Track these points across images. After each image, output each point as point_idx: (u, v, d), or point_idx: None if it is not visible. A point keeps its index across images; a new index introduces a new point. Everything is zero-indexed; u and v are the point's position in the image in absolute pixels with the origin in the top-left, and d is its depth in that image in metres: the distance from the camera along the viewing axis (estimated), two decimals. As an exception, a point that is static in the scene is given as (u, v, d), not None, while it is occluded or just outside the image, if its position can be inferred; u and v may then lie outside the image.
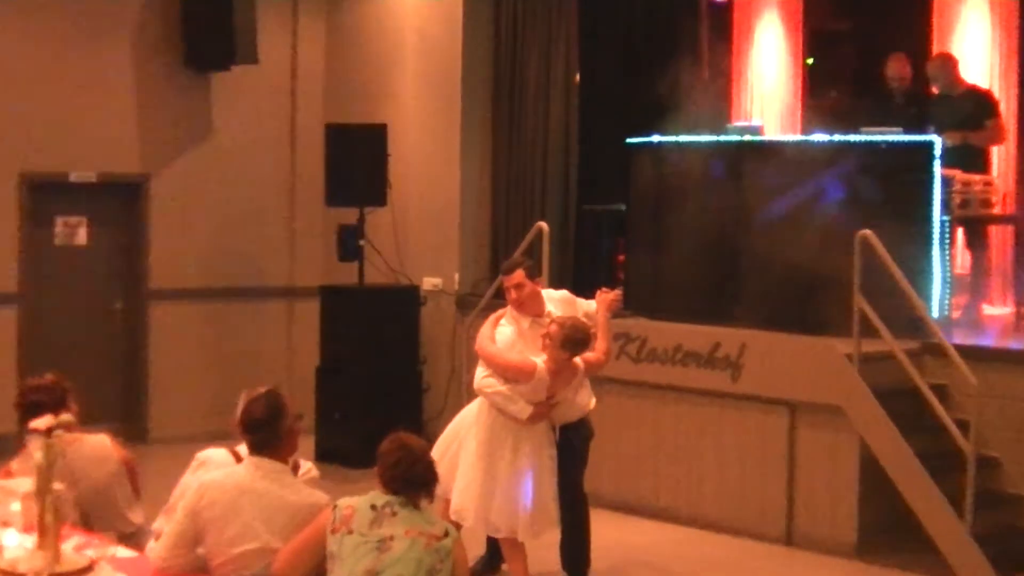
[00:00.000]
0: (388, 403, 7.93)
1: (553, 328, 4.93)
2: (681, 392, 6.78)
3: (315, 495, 3.68)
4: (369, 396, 7.98)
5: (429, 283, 8.40)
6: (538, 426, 5.08)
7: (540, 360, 4.98)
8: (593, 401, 5.30)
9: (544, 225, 7.07)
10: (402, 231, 8.53)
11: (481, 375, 5.06)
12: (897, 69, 7.32)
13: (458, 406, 6.24)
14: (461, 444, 5.18)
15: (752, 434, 6.54)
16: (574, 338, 4.90)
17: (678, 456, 6.83)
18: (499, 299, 6.39)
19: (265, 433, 3.63)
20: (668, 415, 6.88)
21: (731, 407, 6.60)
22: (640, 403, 6.97)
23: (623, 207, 7.75)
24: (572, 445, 5.18)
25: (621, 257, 7.76)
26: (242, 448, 3.88)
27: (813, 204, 6.56)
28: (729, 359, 6.56)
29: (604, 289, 5.27)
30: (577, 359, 5.04)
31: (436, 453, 5.11)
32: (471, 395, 5.51)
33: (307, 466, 3.89)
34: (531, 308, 5.16)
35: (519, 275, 5.14)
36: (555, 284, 6.30)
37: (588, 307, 5.32)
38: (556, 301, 5.25)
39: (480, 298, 7.66)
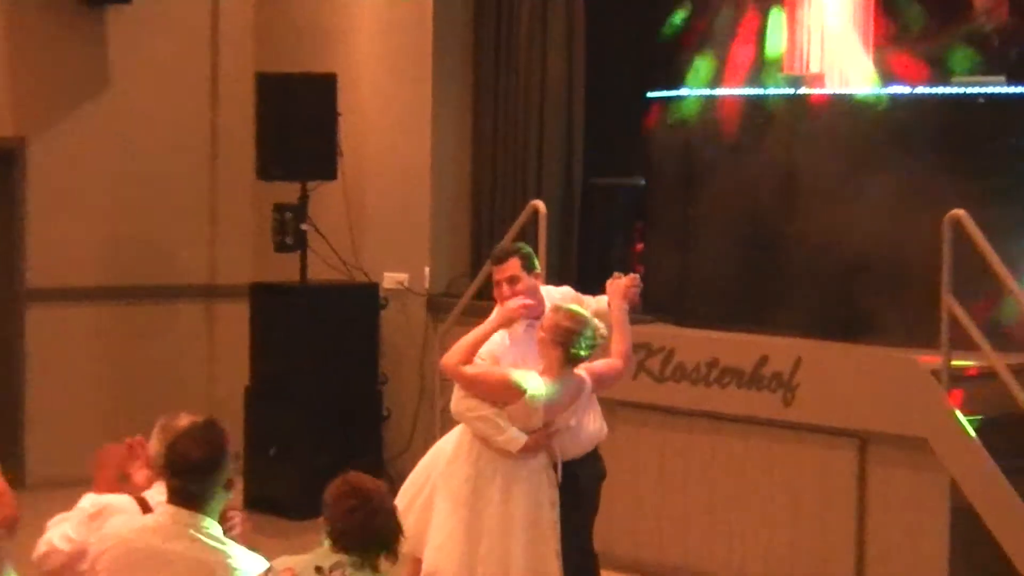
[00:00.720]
0: (338, 435, 7.94)
1: (547, 320, 4.93)
2: (717, 420, 6.79)
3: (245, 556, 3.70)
4: (313, 426, 7.99)
5: (392, 280, 8.42)
6: (534, 463, 5.08)
7: (535, 373, 5.01)
8: (605, 430, 5.32)
9: (540, 205, 7.08)
10: (357, 213, 8.53)
11: (460, 395, 5.07)
12: (984, 2, 7.26)
13: (430, 438, 6.29)
14: (435, 487, 5.19)
15: (811, 474, 6.55)
16: (580, 328, 4.91)
17: (714, 502, 6.84)
18: (483, 300, 6.35)
19: (200, 482, 3.66)
20: (701, 449, 6.88)
21: (783, 439, 6.62)
22: (665, 434, 6.99)
23: (641, 181, 7.78)
24: (578, 487, 5.20)
25: (639, 245, 7.80)
26: (152, 494, 3.89)
27: (888, 177, 6.59)
28: (780, 377, 6.56)
29: (617, 275, 5.28)
30: (581, 371, 5.02)
31: (402, 500, 5.14)
32: (447, 423, 5.50)
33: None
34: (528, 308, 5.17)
35: (514, 265, 5.16)
36: (554, 280, 6.31)
37: (599, 304, 5.34)
38: (557, 301, 5.27)
39: (457, 299, 7.65)
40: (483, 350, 5.08)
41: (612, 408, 6.35)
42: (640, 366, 6.90)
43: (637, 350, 6.69)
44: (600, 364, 5.15)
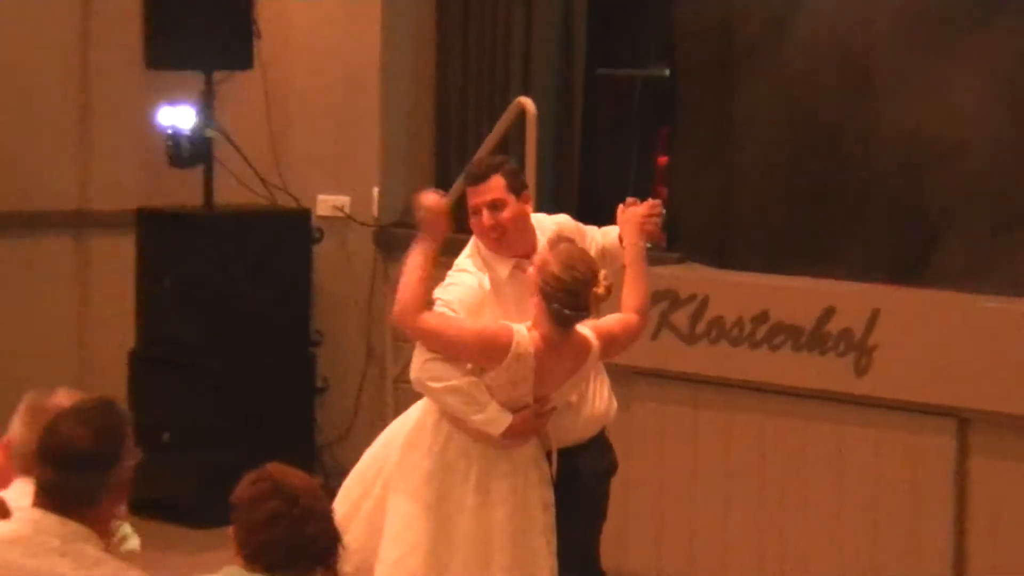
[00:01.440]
0: (255, 414, 7.98)
1: (538, 257, 4.93)
2: (767, 394, 6.79)
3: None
4: (221, 402, 8.01)
5: (329, 205, 8.43)
6: (521, 452, 5.08)
7: (523, 327, 4.97)
8: (615, 408, 5.33)
9: (529, 103, 7.05)
10: (281, 114, 8.54)
11: (424, 358, 5.04)
12: None
13: (380, 418, 6.34)
14: (389, 486, 5.18)
15: (894, 465, 6.56)
16: (571, 284, 4.86)
17: (764, 503, 6.86)
18: (453, 232, 6.37)
19: (86, 478, 3.70)
20: (745, 433, 6.89)
21: (855, 419, 6.62)
22: (696, 413, 7.00)
23: (666, 72, 7.79)
24: (580, 485, 5.23)
25: (663, 159, 7.77)
26: (14, 495, 3.93)
27: (998, 61, 6.58)
28: (851, 337, 6.56)
29: (632, 200, 5.28)
30: (586, 329, 5.01)
31: (344, 502, 5.15)
32: (404, 398, 5.55)
33: (123, 531, 4.10)
34: (515, 243, 5.16)
35: (496, 185, 5.13)
36: (548, 206, 6.29)
37: (607, 240, 5.34)
38: (551, 232, 5.30)
39: (417, 231, 7.60)
40: (451, 296, 5.06)
41: (626, 378, 6.46)
42: (662, 321, 6.87)
43: (658, 300, 6.77)
44: (610, 321, 5.13)
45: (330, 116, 8.46)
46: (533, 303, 4.94)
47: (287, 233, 8.30)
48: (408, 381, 5.15)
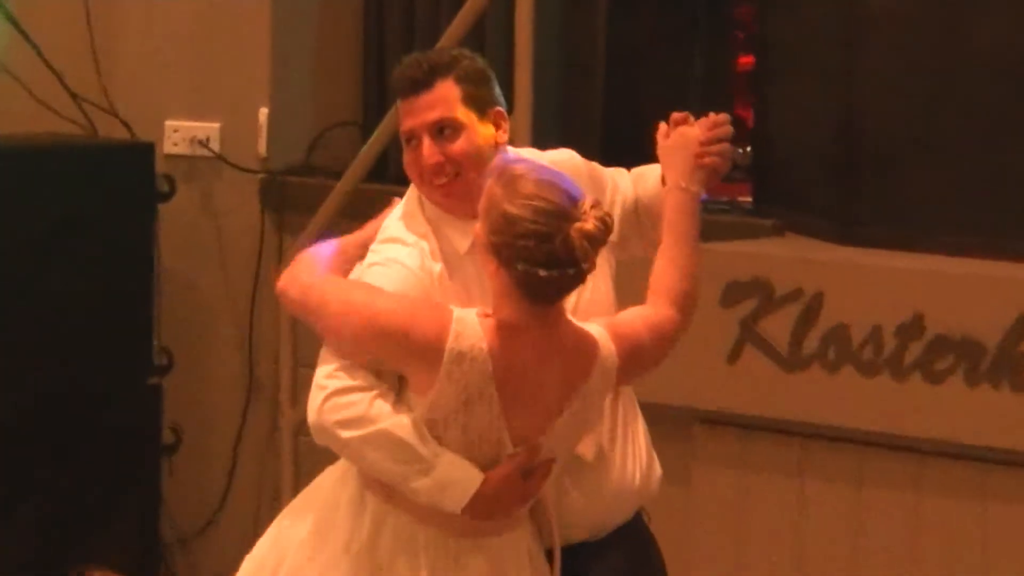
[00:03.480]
0: (62, 490, 8.04)
1: (482, 201, 4.84)
2: (925, 456, 6.92)
3: None
4: (8, 470, 7.96)
5: (184, 137, 8.56)
6: (505, 543, 5.02)
7: (470, 312, 4.87)
8: (658, 476, 5.39)
9: None
10: None
11: (325, 387, 4.93)
12: None
13: (272, 499, 6.63)
14: None
15: None
16: (540, 224, 4.76)
17: None
18: (386, 183, 6.65)
19: None
20: (886, 517, 7.03)
21: None
22: (803, 485, 7.15)
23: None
24: None
25: (745, 59, 8.08)
26: None
27: None
28: None
29: (680, 116, 5.30)
30: (592, 325, 4.99)
31: None
32: (311, 460, 5.67)
33: None
34: (478, 193, 5.01)
35: (445, 96, 5.16)
36: (549, 137, 6.47)
37: (643, 183, 5.39)
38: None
39: (328, 180, 7.91)
40: (373, 283, 5.05)
41: (683, 427, 6.92)
42: (746, 333, 7.00)
43: (738, 295, 7.03)
44: (629, 316, 5.08)
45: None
46: (494, 275, 4.85)
47: (116, 183, 8.29)
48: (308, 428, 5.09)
